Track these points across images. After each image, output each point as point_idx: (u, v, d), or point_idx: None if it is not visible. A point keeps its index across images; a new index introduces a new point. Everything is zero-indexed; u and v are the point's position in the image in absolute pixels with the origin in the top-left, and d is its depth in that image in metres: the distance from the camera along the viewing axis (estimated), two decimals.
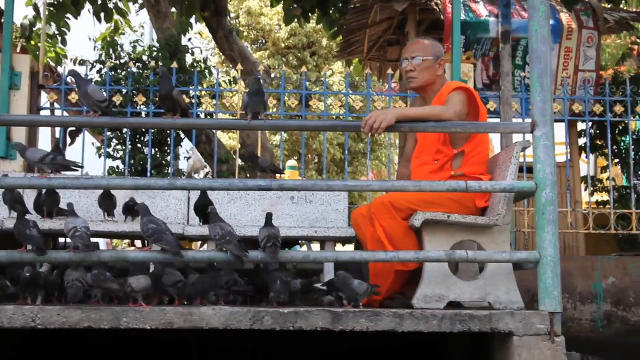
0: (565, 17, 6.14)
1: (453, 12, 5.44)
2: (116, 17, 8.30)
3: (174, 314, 3.11)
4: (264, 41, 20.47)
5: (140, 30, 7.62)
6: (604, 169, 6.87)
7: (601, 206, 6.64)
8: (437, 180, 3.65)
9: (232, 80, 5.49)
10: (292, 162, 13.02)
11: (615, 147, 6.47)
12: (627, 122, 5.81)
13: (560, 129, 6.15)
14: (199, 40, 18.40)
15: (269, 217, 3.34)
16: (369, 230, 3.59)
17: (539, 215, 3.25)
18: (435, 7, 6.23)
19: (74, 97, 5.65)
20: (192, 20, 8.43)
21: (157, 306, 3.20)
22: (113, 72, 5.82)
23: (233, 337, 3.29)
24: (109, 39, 7.16)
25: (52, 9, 7.50)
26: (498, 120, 5.41)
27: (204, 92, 5.73)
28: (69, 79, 5.50)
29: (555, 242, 3.23)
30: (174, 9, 7.98)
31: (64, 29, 8.06)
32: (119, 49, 6.33)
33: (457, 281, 3.50)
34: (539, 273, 3.23)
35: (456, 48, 5.37)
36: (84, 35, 7.28)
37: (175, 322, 3.10)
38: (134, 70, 5.74)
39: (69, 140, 6.61)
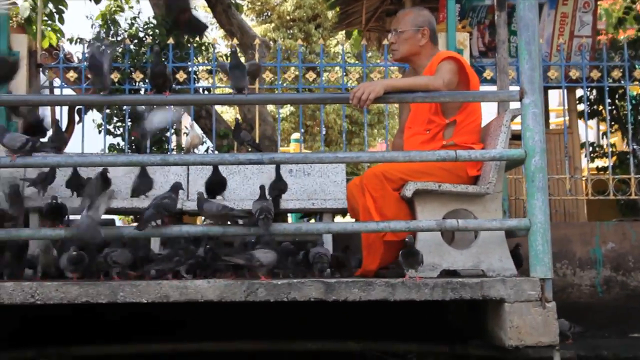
0: None
1: None
2: None
3: (170, 288, 3.16)
4: (269, 14, 20.41)
5: (137, 7, 7.60)
6: (606, 134, 6.85)
7: (602, 172, 6.64)
8: (429, 149, 3.69)
9: (228, 54, 5.50)
10: (296, 135, 13.02)
11: (615, 112, 6.45)
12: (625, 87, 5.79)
13: (555, 96, 6.17)
14: (202, 14, 18.31)
15: (262, 189, 3.38)
16: (361, 201, 3.62)
17: (528, 182, 3.28)
18: None
19: (72, 75, 5.69)
20: None
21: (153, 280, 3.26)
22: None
23: None
24: (108, 17, 7.17)
25: None
26: (494, 88, 5.40)
27: (201, 68, 5.73)
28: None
29: (545, 209, 3.25)
30: None
31: (62, 7, 8.04)
32: (118, 26, 6.35)
33: (450, 250, 3.54)
34: (530, 240, 3.26)
35: (451, 17, 5.35)
36: (82, 14, 7.27)
37: (171, 295, 3.16)
38: (131, 47, 5.74)
39: (76, 118, 6.66)
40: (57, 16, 8.15)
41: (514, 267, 3.54)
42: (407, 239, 3.23)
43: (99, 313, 3.57)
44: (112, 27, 6.26)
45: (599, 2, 9.81)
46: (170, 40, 5.54)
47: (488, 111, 4.96)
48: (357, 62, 12.17)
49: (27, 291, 3.13)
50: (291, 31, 19.60)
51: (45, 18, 8.09)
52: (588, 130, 8.08)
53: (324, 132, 18.66)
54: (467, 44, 5.45)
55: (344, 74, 5.68)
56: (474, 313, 3.65)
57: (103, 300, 3.15)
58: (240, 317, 3.65)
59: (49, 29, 7.86)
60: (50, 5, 8.04)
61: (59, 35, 8.53)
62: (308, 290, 3.16)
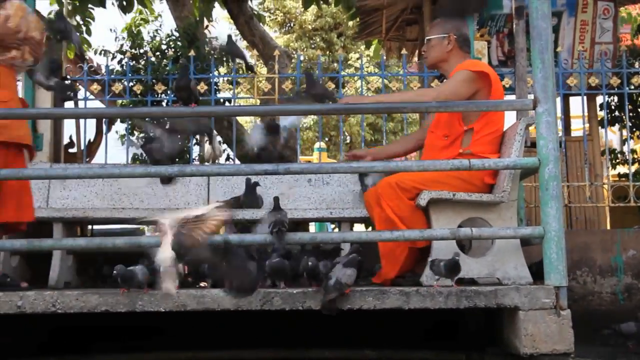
0: None
1: None
2: (140, 6, 8.42)
3: (187, 297, 3.22)
4: (291, 24, 20.55)
5: (159, 20, 7.69)
6: (625, 141, 6.81)
7: (623, 179, 6.59)
8: (446, 156, 3.74)
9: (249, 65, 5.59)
10: (320, 145, 13.04)
11: (637, 119, 6.40)
12: None
13: (578, 103, 6.14)
14: (226, 26, 18.48)
15: (276, 201, 3.43)
16: (376, 210, 3.66)
17: (542, 190, 3.28)
18: None
19: (95, 87, 5.80)
20: (215, 6, 8.53)
21: None
22: (133, 62, 5.95)
23: None
24: (134, 29, 7.29)
25: (75, 2, 7.64)
26: (514, 96, 5.40)
27: (222, 79, 5.81)
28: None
29: (559, 217, 3.25)
30: None
31: (89, 19, 8.20)
32: (141, 38, 6.46)
33: (465, 258, 3.56)
34: (544, 248, 3.26)
35: (469, 26, 5.35)
36: (108, 27, 7.39)
37: (188, 304, 3.22)
38: (153, 59, 5.84)
39: (104, 129, 6.78)
40: (84, 28, 8.33)
41: (530, 275, 3.54)
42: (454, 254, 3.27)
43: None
44: (136, 39, 6.35)
45: (627, 8, 9.78)
46: (192, 52, 5.63)
47: (510, 120, 4.97)
48: (376, 71, 12.24)
49: (49, 300, 3.22)
50: (313, 40, 19.69)
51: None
52: (612, 137, 8.05)
53: (342, 142, 18.81)
54: (485, 52, 5.46)
55: (362, 83, 5.71)
56: (491, 321, 3.66)
57: (122, 309, 3.22)
58: (258, 325, 3.70)
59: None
60: (78, 17, 8.22)
61: (86, 46, 8.71)
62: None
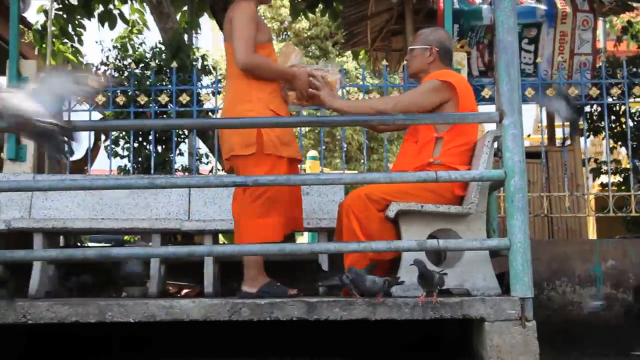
0: (559, 1, 6.13)
1: (444, 1, 5.48)
2: (134, 16, 8.47)
3: (156, 307, 3.26)
4: (288, 34, 20.64)
5: (148, 31, 7.76)
6: (611, 151, 6.84)
7: (606, 188, 6.61)
8: (417, 164, 3.78)
9: None
10: (313, 153, 13.11)
11: (619, 129, 6.44)
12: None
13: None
14: (218, 35, 18.57)
15: None
16: (344, 221, 3.69)
17: (508, 202, 3.31)
18: None
19: (100, 98, 5.83)
20: (203, 17, 8.58)
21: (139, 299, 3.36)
22: (117, 73, 6.00)
23: None
24: (127, 41, 7.34)
25: (61, 13, 7.70)
26: (493, 107, 5.43)
27: (204, 90, 5.85)
28: None
29: (525, 229, 3.28)
30: (185, 7, 8.13)
31: (80, 29, 8.24)
32: (129, 50, 6.51)
33: (435, 269, 3.58)
34: (510, 259, 3.29)
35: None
36: (98, 38, 7.47)
37: (157, 314, 3.25)
38: (137, 71, 5.89)
39: (102, 137, 6.82)
40: (76, 38, 8.38)
41: (499, 286, 3.57)
42: (412, 264, 3.29)
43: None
44: (120, 51, 6.41)
45: (621, 16, 9.82)
46: (174, 64, 5.67)
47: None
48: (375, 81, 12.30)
49: (19, 311, 3.25)
50: (309, 49, 19.78)
51: (64, 40, 8.32)
52: (594, 148, 8.10)
53: (345, 149, 18.89)
54: (464, 63, 5.50)
55: (364, 93, 5.75)
56: (464, 331, 3.69)
57: (92, 319, 3.25)
58: (226, 335, 3.74)
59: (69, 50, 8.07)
60: (70, 27, 8.26)
61: (78, 56, 8.76)
62: (290, 309, 3.24)
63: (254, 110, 3.73)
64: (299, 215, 3.94)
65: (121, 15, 7.94)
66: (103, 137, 6.93)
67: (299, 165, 4.10)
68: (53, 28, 7.62)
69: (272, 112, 3.76)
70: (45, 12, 7.75)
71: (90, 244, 8.29)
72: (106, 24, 7.75)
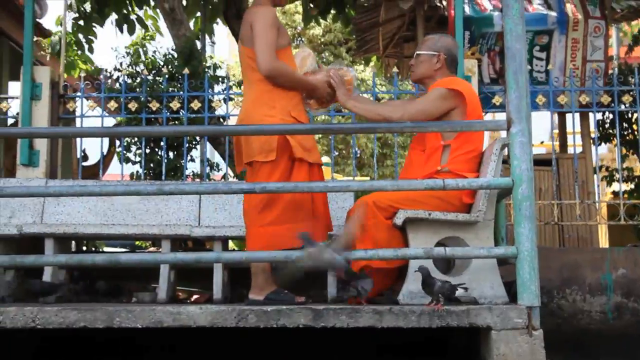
0: (570, 8, 6.11)
1: (455, 8, 5.48)
2: (148, 23, 8.54)
3: (163, 313, 3.27)
4: (302, 39, 20.69)
5: (162, 37, 7.83)
6: (623, 158, 6.81)
7: (618, 196, 6.57)
8: (425, 172, 3.78)
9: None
10: (325, 159, 13.05)
11: (632, 136, 6.40)
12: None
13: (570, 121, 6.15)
14: (234, 43, 18.64)
15: None
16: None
17: (515, 211, 3.30)
18: (439, 4, 6.28)
19: (92, 104, 5.90)
20: (216, 23, 8.64)
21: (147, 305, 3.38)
22: (130, 80, 6.04)
23: None
24: (140, 47, 7.41)
25: (79, 22, 7.78)
26: (504, 114, 5.42)
27: (216, 97, 5.88)
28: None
29: (532, 237, 3.27)
30: (199, 14, 8.19)
31: (91, 37, 8.33)
32: (138, 56, 6.56)
33: (442, 277, 3.58)
34: (517, 267, 3.28)
35: (459, 44, 5.40)
36: (111, 45, 7.51)
37: (165, 320, 3.27)
38: (149, 77, 5.93)
39: (117, 143, 6.87)
40: (87, 46, 8.46)
41: (506, 294, 3.56)
42: (416, 270, 3.30)
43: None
44: (133, 57, 6.46)
45: (633, 23, 9.76)
46: (186, 70, 5.71)
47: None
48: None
49: (28, 316, 3.27)
50: (323, 55, 19.82)
51: (75, 48, 8.40)
52: (611, 154, 8.05)
53: (356, 156, 18.91)
54: (475, 70, 5.50)
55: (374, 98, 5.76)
56: (472, 339, 3.68)
57: (100, 325, 3.27)
58: (234, 343, 3.75)
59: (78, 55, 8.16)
60: (80, 36, 8.35)
61: (89, 64, 8.85)
62: (297, 316, 3.24)
63: (275, 116, 3.73)
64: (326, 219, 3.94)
65: (139, 19, 8.00)
66: (117, 143, 7.00)
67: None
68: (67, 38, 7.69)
69: (293, 119, 3.77)
70: (61, 22, 7.85)
71: (106, 249, 8.36)
72: (125, 30, 7.83)
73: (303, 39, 20.35)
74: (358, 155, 19.45)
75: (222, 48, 19.87)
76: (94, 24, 8.07)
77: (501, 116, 5.38)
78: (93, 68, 8.13)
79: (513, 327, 3.19)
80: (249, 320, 3.25)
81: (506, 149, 3.59)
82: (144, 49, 7.69)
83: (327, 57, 19.47)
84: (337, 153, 18.85)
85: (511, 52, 3.40)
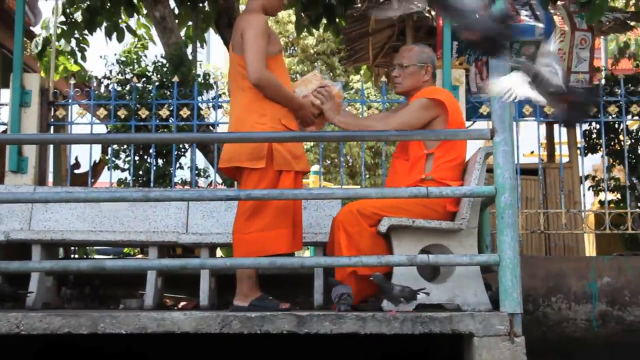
0: (557, 19, 6.18)
1: (444, 18, 5.52)
2: (141, 31, 8.55)
3: (147, 320, 3.29)
4: (295, 48, 20.78)
5: (153, 45, 7.82)
6: (609, 169, 6.86)
7: (604, 206, 6.62)
8: (409, 181, 3.81)
9: None
10: (316, 168, 13.10)
11: (618, 146, 6.45)
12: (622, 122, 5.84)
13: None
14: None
15: None
16: (336, 236, 3.73)
17: (498, 218, 3.34)
18: (428, 15, 6.33)
19: (81, 111, 5.92)
20: (208, 32, 8.66)
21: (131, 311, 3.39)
22: (120, 87, 6.06)
23: None
24: (133, 54, 7.41)
25: (64, 27, 7.78)
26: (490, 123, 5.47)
27: (204, 105, 5.91)
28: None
29: (515, 245, 3.31)
30: (190, 22, 8.21)
31: (83, 45, 8.33)
32: (129, 63, 6.57)
33: (425, 284, 3.61)
34: (499, 275, 3.32)
35: (446, 54, 5.45)
36: (102, 53, 7.50)
37: (149, 326, 3.28)
38: (139, 85, 5.95)
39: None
40: (79, 54, 8.45)
41: (489, 301, 3.59)
42: (371, 277, 3.33)
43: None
44: (121, 65, 6.47)
45: (620, 37, 9.85)
46: (176, 78, 5.74)
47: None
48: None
49: (13, 322, 3.28)
50: (315, 64, 19.90)
51: (68, 56, 8.40)
52: (593, 165, 8.11)
53: (348, 165, 18.98)
54: (462, 80, 5.54)
55: (362, 109, 5.79)
56: (454, 347, 3.71)
57: (84, 331, 3.28)
58: (219, 349, 3.77)
59: (72, 61, 8.14)
60: (73, 44, 8.35)
61: (82, 72, 8.84)
62: (280, 323, 3.26)
63: (266, 124, 3.75)
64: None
65: (129, 27, 8.01)
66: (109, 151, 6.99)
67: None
68: (57, 43, 7.70)
69: (284, 126, 3.79)
70: (47, 27, 7.87)
71: (96, 257, 8.35)
72: (114, 38, 7.83)
73: (296, 48, 20.43)
74: (351, 164, 19.52)
75: (219, 57, 19.85)
76: (84, 33, 8.07)
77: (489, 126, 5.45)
78: (84, 74, 8.12)
79: (495, 334, 3.23)
80: (232, 326, 3.27)
81: (490, 158, 3.65)
82: (135, 56, 7.71)
83: (321, 66, 19.54)
84: (329, 162, 18.90)
85: (494, 62, 3.43)
